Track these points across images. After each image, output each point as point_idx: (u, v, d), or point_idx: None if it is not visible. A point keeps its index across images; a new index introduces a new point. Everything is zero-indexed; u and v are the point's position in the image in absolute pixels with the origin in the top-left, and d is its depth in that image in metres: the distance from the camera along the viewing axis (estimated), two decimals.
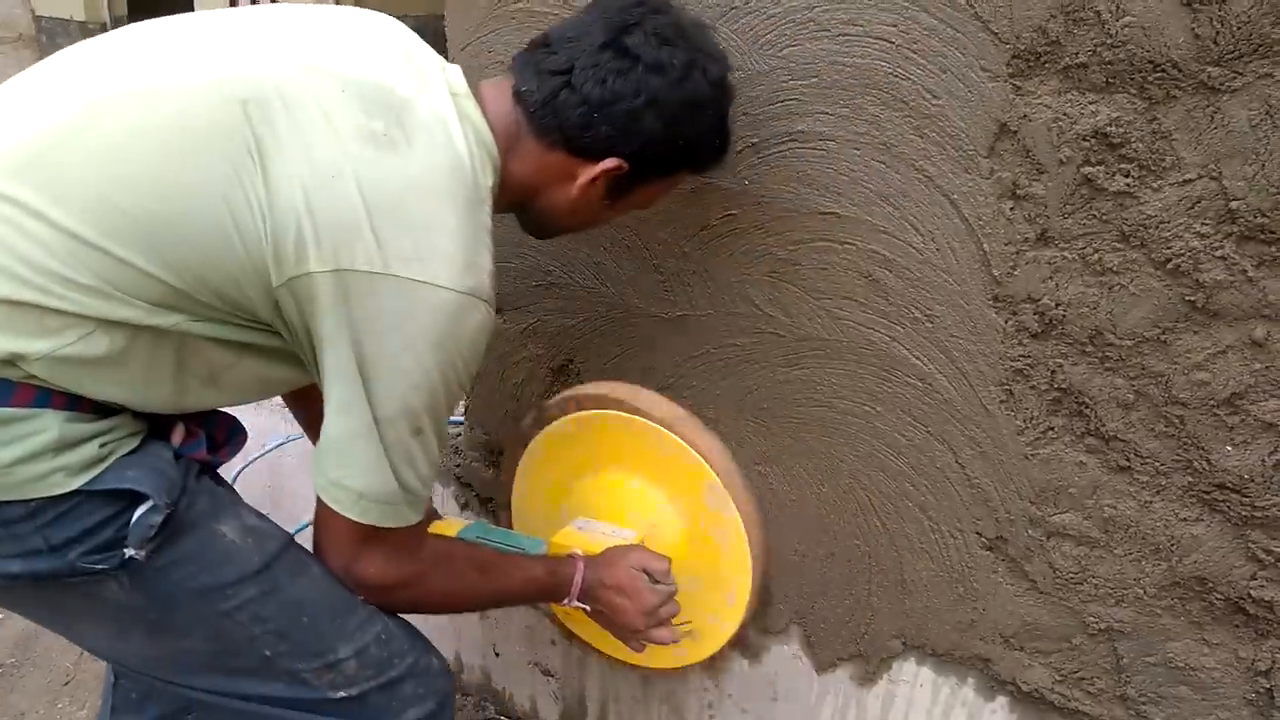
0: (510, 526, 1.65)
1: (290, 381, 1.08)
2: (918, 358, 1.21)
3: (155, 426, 1.04)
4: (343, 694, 1.10)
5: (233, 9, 1.06)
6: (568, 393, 1.50)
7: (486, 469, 1.72)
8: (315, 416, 1.09)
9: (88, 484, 0.94)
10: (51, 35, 6.62)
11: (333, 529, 1.05)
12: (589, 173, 1.08)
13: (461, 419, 1.74)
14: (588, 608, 1.30)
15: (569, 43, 1.06)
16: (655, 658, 1.49)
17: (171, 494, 0.98)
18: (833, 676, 1.46)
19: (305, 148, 0.93)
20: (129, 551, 0.95)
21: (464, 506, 1.80)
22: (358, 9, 1.11)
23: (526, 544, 1.39)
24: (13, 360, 0.90)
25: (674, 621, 1.35)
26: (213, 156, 0.91)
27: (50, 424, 0.92)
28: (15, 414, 0.91)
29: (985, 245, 1.12)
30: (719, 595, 1.44)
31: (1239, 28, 0.92)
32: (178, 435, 1.05)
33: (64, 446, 0.93)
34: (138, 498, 0.95)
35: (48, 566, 0.95)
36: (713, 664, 1.55)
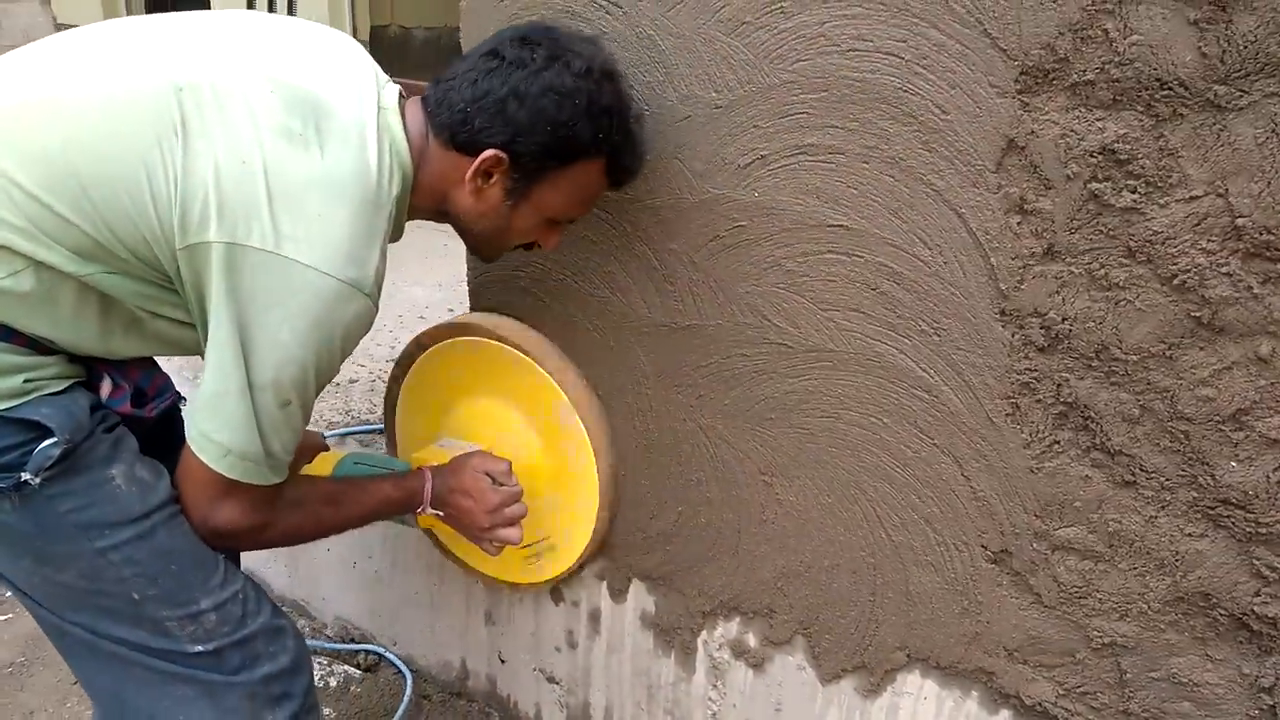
0: (390, 453, 1.79)
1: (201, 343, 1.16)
2: (924, 370, 1.22)
3: (89, 376, 1.15)
4: (200, 648, 1.18)
5: (207, 11, 1.19)
6: (442, 323, 1.63)
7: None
8: None
9: (4, 410, 1.05)
10: None
11: (196, 479, 1.14)
12: (471, 165, 1.17)
13: None
14: (442, 514, 1.41)
15: (464, 59, 1.20)
16: (515, 571, 1.69)
17: (75, 435, 1.08)
18: (837, 688, 1.46)
19: (226, 132, 1.04)
20: (25, 475, 1.05)
21: None
22: (325, 27, 1.24)
23: (398, 466, 1.52)
24: None
25: (533, 538, 1.52)
26: (142, 126, 1.03)
27: None
28: None
29: (992, 259, 1.13)
30: (571, 512, 1.59)
31: (1245, 46, 0.93)
32: (105, 388, 1.16)
33: None
34: (45, 432, 1.06)
35: None
36: (566, 584, 1.72)
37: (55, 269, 1.03)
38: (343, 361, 1.14)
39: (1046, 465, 1.17)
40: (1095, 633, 1.20)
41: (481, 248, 1.32)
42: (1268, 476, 1.04)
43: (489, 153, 1.16)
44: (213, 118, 1.04)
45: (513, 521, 1.41)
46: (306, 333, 1.06)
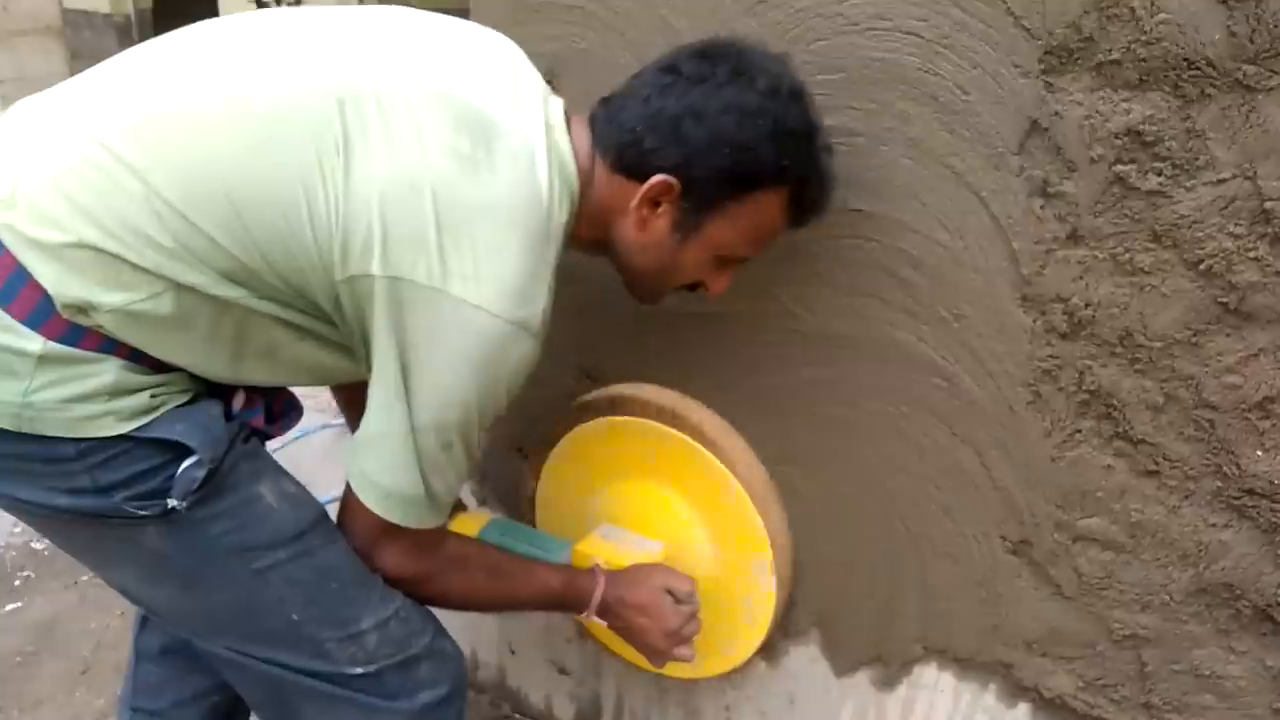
0: (534, 525, 1.65)
1: (344, 371, 1.10)
2: (944, 357, 1.20)
3: (216, 392, 1.08)
4: (360, 670, 1.12)
5: (355, 8, 1.08)
6: (601, 392, 1.50)
7: (509, 465, 1.72)
8: (360, 416, 1.10)
9: (137, 429, 0.98)
10: (76, 28, 6.70)
11: (357, 516, 1.09)
12: (638, 192, 1.06)
13: None
14: (604, 624, 1.31)
15: (637, 75, 1.10)
16: (671, 668, 1.47)
17: (216, 451, 1.01)
18: (852, 681, 1.44)
19: (391, 153, 0.95)
20: (172, 502, 0.99)
21: (482, 502, 1.80)
22: (482, 28, 1.15)
23: (550, 545, 1.39)
24: (85, 308, 0.93)
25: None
26: (301, 145, 0.94)
27: (108, 369, 0.96)
28: (80, 355, 0.95)
29: (1014, 244, 1.11)
30: (740, 616, 1.44)
31: (1275, 26, 0.91)
32: (239, 400, 1.10)
33: (119, 392, 0.97)
34: (184, 450, 0.99)
35: (93, 505, 0.99)
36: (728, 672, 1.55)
37: (198, 291, 0.96)
38: (507, 403, 1.07)
39: (1068, 454, 1.15)
40: (1116, 624, 1.18)
41: (640, 286, 1.19)
42: None
43: (658, 178, 1.05)
44: (377, 135, 0.95)
45: (688, 640, 1.33)
46: (471, 375, 0.99)
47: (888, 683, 1.41)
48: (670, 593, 1.30)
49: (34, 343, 0.93)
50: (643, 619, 1.29)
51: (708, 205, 1.07)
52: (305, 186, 0.94)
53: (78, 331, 0.94)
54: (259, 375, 1.08)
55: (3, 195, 0.93)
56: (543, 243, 1.02)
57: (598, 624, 1.33)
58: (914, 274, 1.18)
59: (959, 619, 1.31)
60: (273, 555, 1.07)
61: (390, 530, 1.08)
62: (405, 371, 0.99)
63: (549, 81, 1.17)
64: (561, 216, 1.05)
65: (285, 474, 1.14)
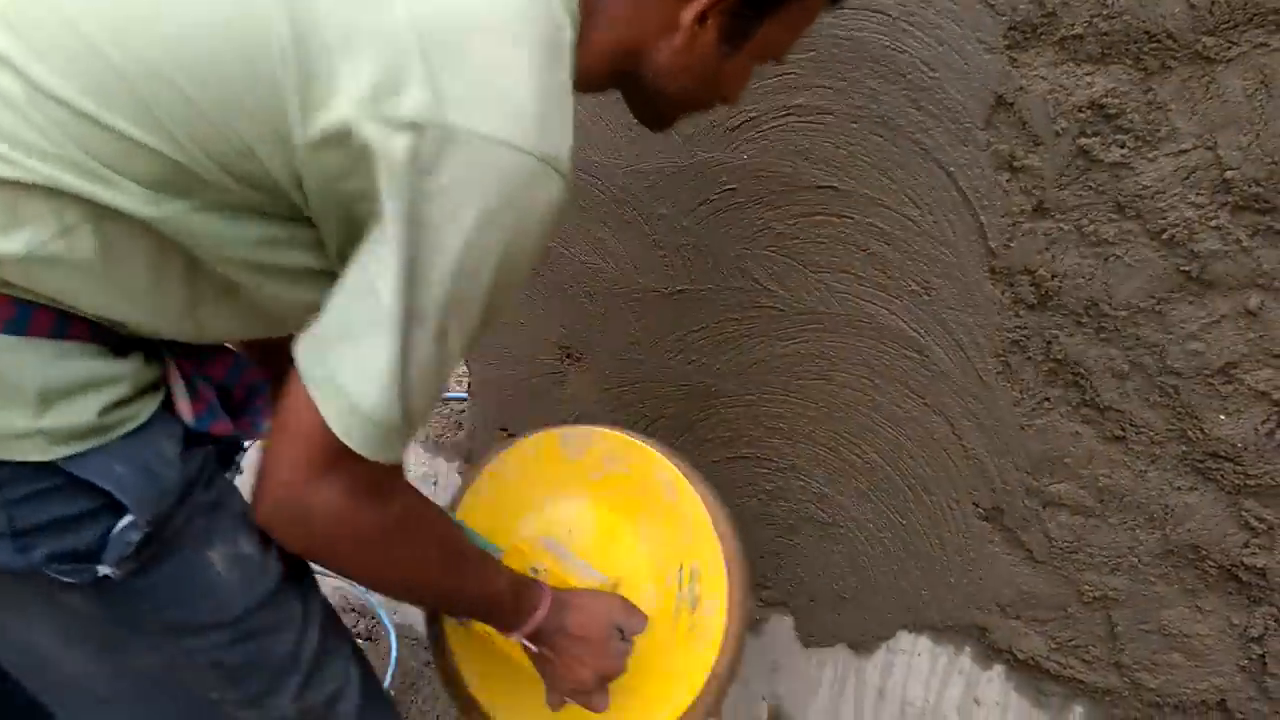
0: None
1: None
2: (915, 330, 1.22)
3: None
4: None
5: None
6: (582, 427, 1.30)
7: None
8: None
9: (68, 459, 0.76)
10: None
11: (300, 437, 0.80)
12: (696, 6, 0.86)
13: (465, 394, 1.76)
14: (534, 648, 1.05)
15: None
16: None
17: (160, 507, 0.81)
18: (832, 647, 1.47)
19: None
20: (103, 569, 0.79)
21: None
22: None
23: (482, 544, 1.15)
24: None
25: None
26: None
27: (30, 360, 0.74)
28: None
29: (982, 217, 1.12)
30: (660, 686, 1.15)
31: None
32: (184, 406, 0.86)
33: (51, 396, 0.75)
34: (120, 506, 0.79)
35: (7, 561, 0.77)
36: None
37: (123, 215, 0.73)
38: (528, 272, 0.84)
39: (1037, 422, 1.18)
40: (1086, 587, 1.21)
41: (663, 111, 0.99)
42: (1256, 429, 1.04)
43: None
44: None
45: (606, 688, 1.10)
46: (479, 231, 0.74)
47: (866, 648, 1.44)
48: (620, 630, 1.10)
49: None
50: (581, 651, 1.06)
51: (769, 6, 0.89)
52: (240, 31, 0.72)
53: None
54: (219, 325, 0.86)
55: None
56: (556, 58, 0.79)
57: (504, 647, 1.08)
58: (885, 248, 1.20)
59: (934, 585, 1.33)
60: (208, 638, 0.88)
61: (339, 460, 0.80)
62: (394, 239, 0.74)
63: None
64: (567, 33, 0.81)
65: (248, 528, 0.90)
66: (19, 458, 0.74)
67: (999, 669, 1.33)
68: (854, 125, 1.16)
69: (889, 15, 1.10)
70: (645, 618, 1.12)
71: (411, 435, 0.84)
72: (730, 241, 1.31)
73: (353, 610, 2.21)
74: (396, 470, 0.87)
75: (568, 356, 1.56)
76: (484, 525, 1.18)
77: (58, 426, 0.75)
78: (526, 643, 1.04)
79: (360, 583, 0.98)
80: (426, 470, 2.03)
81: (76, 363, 0.77)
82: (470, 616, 1.07)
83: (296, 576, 0.95)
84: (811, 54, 1.16)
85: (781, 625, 1.51)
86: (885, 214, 1.18)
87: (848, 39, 1.13)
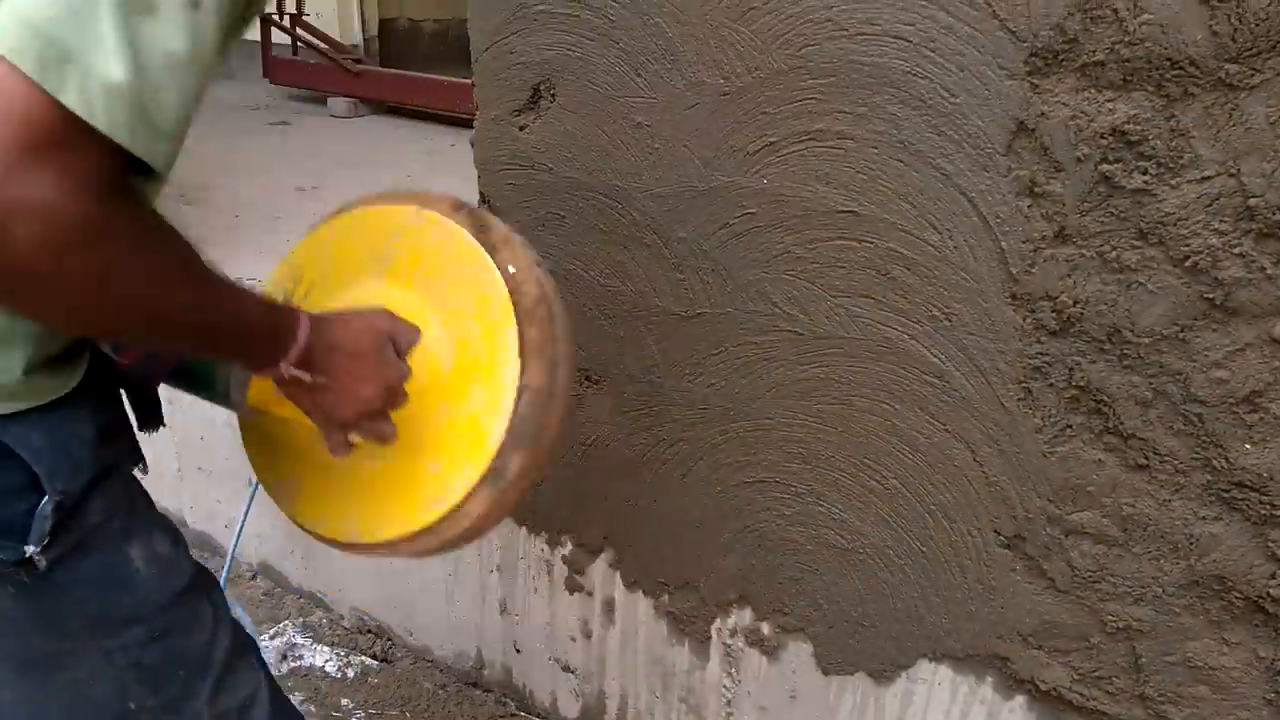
0: None
1: None
2: (936, 355, 1.21)
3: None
4: None
5: None
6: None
7: None
8: None
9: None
10: None
11: (10, 115, 0.61)
12: None
13: None
14: (309, 377, 0.91)
15: None
16: (330, 528, 1.09)
17: (69, 485, 0.81)
18: (851, 675, 1.46)
19: None
20: (29, 549, 0.79)
21: None
22: None
23: None
24: None
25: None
26: None
27: None
28: None
29: (1003, 243, 1.12)
30: (450, 452, 1.03)
31: (1257, 24, 0.92)
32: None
33: None
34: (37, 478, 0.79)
35: None
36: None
37: None
38: None
39: (1059, 449, 1.17)
40: (1110, 617, 1.20)
41: None
42: None
43: None
44: None
45: (397, 407, 1.01)
46: None
47: (886, 677, 1.42)
48: (394, 341, 1.00)
49: None
50: (356, 367, 0.95)
51: None
52: None
53: None
54: None
55: None
56: None
57: (272, 402, 1.00)
58: (905, 274, 1.20)
59: (955, 613, 1.32)
60: (129, 633, 0.90)
61: (55, 137, 0.62)
62: None
63: (544, 89, 1.16)
64: None
65: (162, 526, 0.94)
66: None
67: (1021, 700, 1.31)
68: (874, 150, 1.16)
69: (909, 41, 1.10)
70: (416, 329, 1.02)
71: (159, 136, 0.67)
72: (749, 265, 1.31)
73: (369, 632, 2.21)
74: (129, 181, 0.69)
75: (586, 379, 1.56)
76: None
77: None
78: (299, 373, 0.90)
79: (85, 313, 0.71)
80: None
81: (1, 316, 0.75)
82: (224, 356, 0.95)
83: (206, 583, 0.99)
84: (832, 80, 1.16)
85: (800, 652, 1.50)
86: (905, 239, 1.18)
87: (868, 64, 1.13)
